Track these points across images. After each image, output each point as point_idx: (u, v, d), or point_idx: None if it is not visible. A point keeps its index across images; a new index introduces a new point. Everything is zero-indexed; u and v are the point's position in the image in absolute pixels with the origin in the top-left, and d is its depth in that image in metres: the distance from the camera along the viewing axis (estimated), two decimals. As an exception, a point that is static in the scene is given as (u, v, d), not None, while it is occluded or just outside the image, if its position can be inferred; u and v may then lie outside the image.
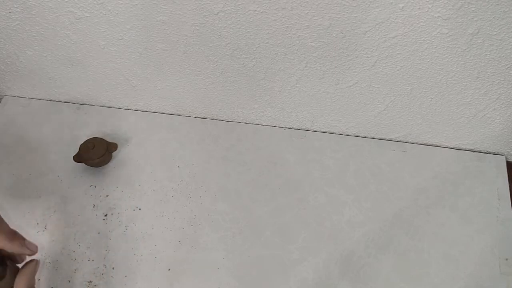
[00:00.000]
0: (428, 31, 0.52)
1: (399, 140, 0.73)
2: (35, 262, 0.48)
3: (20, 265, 0.48)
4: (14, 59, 0.69)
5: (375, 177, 0.69)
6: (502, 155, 0.71)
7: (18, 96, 0.78)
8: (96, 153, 0.67)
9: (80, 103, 0.77)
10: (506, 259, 0.61)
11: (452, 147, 0.72)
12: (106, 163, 0.69)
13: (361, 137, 0.74)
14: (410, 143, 0.73)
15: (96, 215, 0.65)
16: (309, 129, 0.74)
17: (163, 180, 0.69)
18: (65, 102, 0.77)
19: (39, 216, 0.65)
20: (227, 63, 0.62)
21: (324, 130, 0.74)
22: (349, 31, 0.54)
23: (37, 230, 0.64)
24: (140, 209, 0.66)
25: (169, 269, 0.61)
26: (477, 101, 0.62)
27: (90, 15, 0.58)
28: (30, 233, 0.63)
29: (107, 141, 0.69)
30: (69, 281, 0.60)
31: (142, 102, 0.74)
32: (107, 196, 0.67)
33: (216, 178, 0.69)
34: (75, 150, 0.68)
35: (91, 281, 0.60)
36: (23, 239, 0.47)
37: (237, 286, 0.60)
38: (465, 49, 0.53)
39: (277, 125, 0.74)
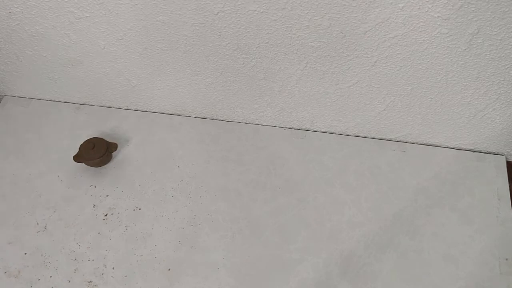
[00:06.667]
0: (428, 31, 0.52)
1: (399, 140, 0.73)
2: None
3: None
4: (14, 59, 0.69)
5: (375, 177, 0.69)
6: (502, 155, 0.71)
7: (18, 96, 0.78)
8: (96, 153, 0.67)
9: (80, 103, 0.77)
10: (506, 259, 0.61)
11: (452, 147, 0.72)
12: (106, 163, 0.69)
13: (361, 137, 0.73)
14: (410, 143, 0.73)
15: (96, 215, 0.65)
16: (309, 129, 0.74)
17: (163, 180, 0.69)
18: (65, 102, 0.77)
19: (39, 216, 0.65)
20: (227, 63, 0.62)
21: (324, 130, 0.74)
22: (349, 31, 0.54)
23: (37, 230, 0.64)
24: (140, 209, 0.66)
25: (169, 269, 0.61)
26: (477, 101, 0.62)
27: (90, 15, 0.58)
28: (31, 233, 0.63)
29: (107, 141, 0.69)
30: (69, 281, 0.60)
31: (142, 102, 0.74)
32: (107, 196, 0.67)
33: (216, 178, 0.69)
34: (75, 150, 0.68)
35: (91, 281, 0.60)
36: None
37: (237, 286, 0.60)
38: (465, 49, 0.53)
39: (277, 125, 0.74)
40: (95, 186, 0.68)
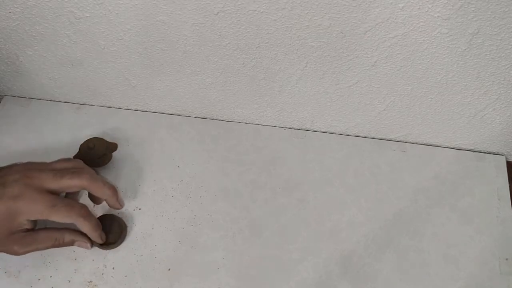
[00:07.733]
0: (428, 31, 0.52)
1: (399, 140, 0.73)
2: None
3: None
4: (14, 59, 0.69)
5: (375, 177, 0.69)
6: (502, 155, 0.71)
7: (18, 96, 0.78)
8: (96, 153, 0.67)
9: (80, 103, 0.77)
10: (506, 259, 0.61)
11: (452, 147, 0.72)
12: (106, 163, 0.69)
13: (361, 137, 0.74)
14: (410, 143, 0.73)
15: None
16: (309, 129, 0.74)
17: (163, 180, 0.69)
18: (65, 102, 0.77)
19: (39, 216, 0.65)
20: (227, 63, 0.62)
21: (324, 130, 0.74)
22: (349, 31, 0.54)
23: (37, 230, 0.64)
24: (140, 209, 0.66)
25: (169, 269, 0.61)
26: (477, 101, 0.62)
27: (90, 15, 0.58)
28: (30, 233, 0.63)
29: (107, 141, 0.69)
30: (69, 281, 0.60)
31: (142, 102, 0.74)
32: (107, 196, 0.67)
33: (216, 178, 0.69)
34: (75, 150, 0.68)
35: (91, 281, 0.60)
36: (111, 189, 0.59)
37: (237, 286, 0.60)
38: (465, 49, 0.53)
39: (277, 125, 0.74)
40: (95, 186, 0.68)
